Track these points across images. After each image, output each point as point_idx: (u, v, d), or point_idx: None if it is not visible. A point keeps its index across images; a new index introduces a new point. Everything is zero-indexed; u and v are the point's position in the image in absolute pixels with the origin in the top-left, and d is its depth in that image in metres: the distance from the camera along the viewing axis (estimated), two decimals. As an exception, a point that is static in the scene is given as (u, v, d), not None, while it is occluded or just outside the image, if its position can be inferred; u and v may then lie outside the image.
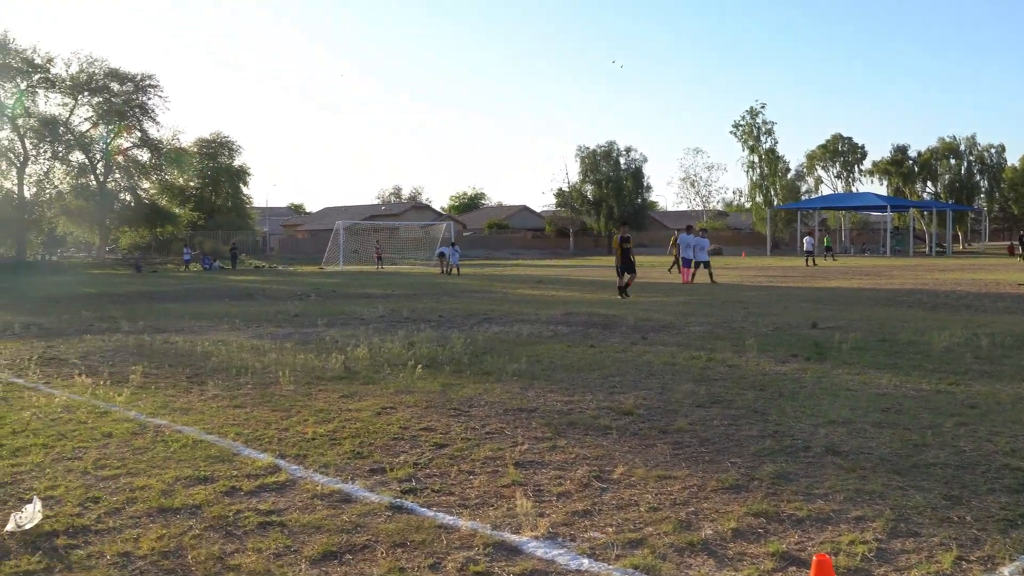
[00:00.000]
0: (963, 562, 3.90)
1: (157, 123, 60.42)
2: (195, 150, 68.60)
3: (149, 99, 59.73)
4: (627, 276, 21.57)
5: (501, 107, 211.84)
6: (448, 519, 4.56)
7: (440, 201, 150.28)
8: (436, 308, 18.41)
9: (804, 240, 50.79)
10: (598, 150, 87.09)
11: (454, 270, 38.40)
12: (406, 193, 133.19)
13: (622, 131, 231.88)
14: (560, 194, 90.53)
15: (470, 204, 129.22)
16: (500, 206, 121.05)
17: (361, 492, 5.04)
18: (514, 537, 4.28)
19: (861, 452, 5.79)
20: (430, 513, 4.66)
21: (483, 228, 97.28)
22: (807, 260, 47.47)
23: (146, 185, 63.78)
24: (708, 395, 7.84)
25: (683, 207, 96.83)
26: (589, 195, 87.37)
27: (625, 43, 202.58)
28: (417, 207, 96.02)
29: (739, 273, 34.09)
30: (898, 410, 7.11)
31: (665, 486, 5.10)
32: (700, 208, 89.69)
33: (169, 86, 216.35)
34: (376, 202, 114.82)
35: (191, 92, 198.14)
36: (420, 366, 9.37)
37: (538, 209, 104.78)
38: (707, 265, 28.00)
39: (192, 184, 70.49)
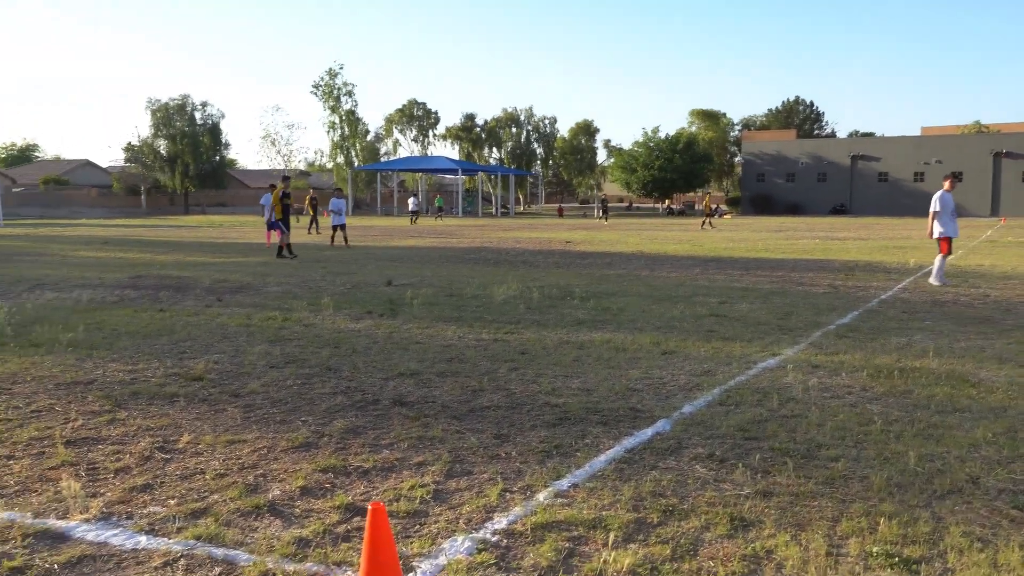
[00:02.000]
0: (507, 493, 4.31)
1: None
2: None
3: None
4: (287, 235, 20.53)
5: (59, 51, 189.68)
6: (-21, 512, 4.02)
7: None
8: (-24, 274, 16.11)
9: (410, 200, 55.65)
10: (171, 103, 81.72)
11: None
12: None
13: (196, 85, 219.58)
14: (130, 148, 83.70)
15: (20, 156, 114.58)
16: (58, 160, 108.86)
17: None
18: (60, 523, 3.90)
19: (426, 401, 6.14)
20: (-44, 508, 4.08)
21: (38, 184, 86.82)
22: (412, 219, 51.08)
23: None
24: (282, 355, 7.79)
25: (264, 166, 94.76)
26: (163, 151, 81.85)
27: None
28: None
29: (312, 234, 34.23)
30: (461, 359, 7.65)
31: (234, 451, 4.98)
32: (282, 167, 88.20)
33: None
34: None
35: None
36: (-50, 341, 8.15)
37: (104, 164, 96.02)
38: (342, 228, 25.69)
39: None
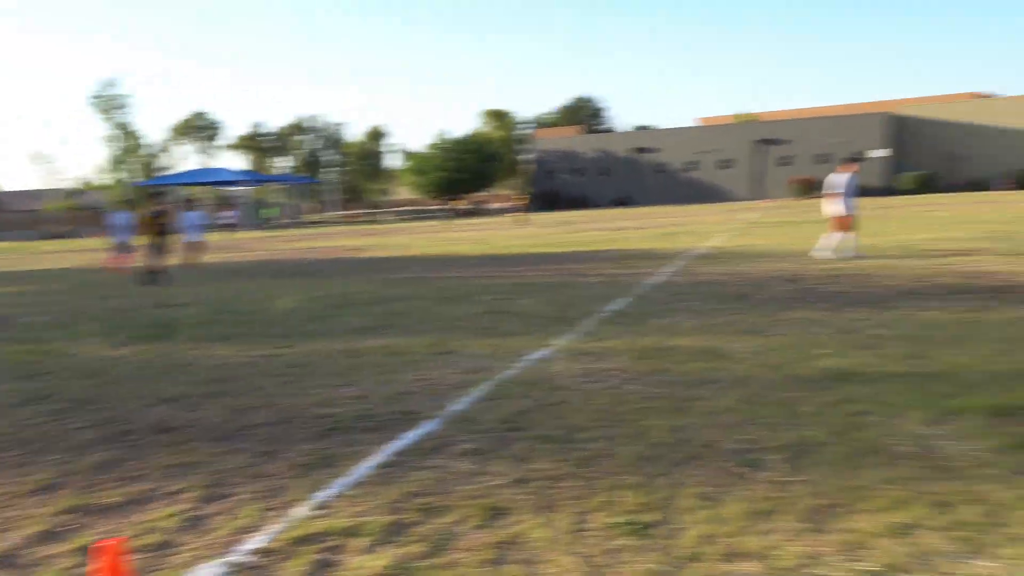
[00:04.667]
0: (268, 511, 4.21)
1: None
2: None
3: None
4: (159, 258, 18.01)
5: None
6: None
7: None
8: None
9: (225, 213, 53.76)
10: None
11: None
12: None
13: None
14: None
15: None
16: None
17: None
18: None
19: (190, 425, 5.90)
20: None
21: None
22: (231, 231, 49.72)
23: None
24: (33, 392, 7.24)
25: (34, 186, 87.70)
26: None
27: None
28: None
29: (87, 256, 32.09)
30: (231, 379, 7.40)
31: (-34, 501, 4.58)
32: (53, 187, 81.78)
33: None
34: None
35: None
36: None
37: None
38: (196, 246, 22.74)
39: None
